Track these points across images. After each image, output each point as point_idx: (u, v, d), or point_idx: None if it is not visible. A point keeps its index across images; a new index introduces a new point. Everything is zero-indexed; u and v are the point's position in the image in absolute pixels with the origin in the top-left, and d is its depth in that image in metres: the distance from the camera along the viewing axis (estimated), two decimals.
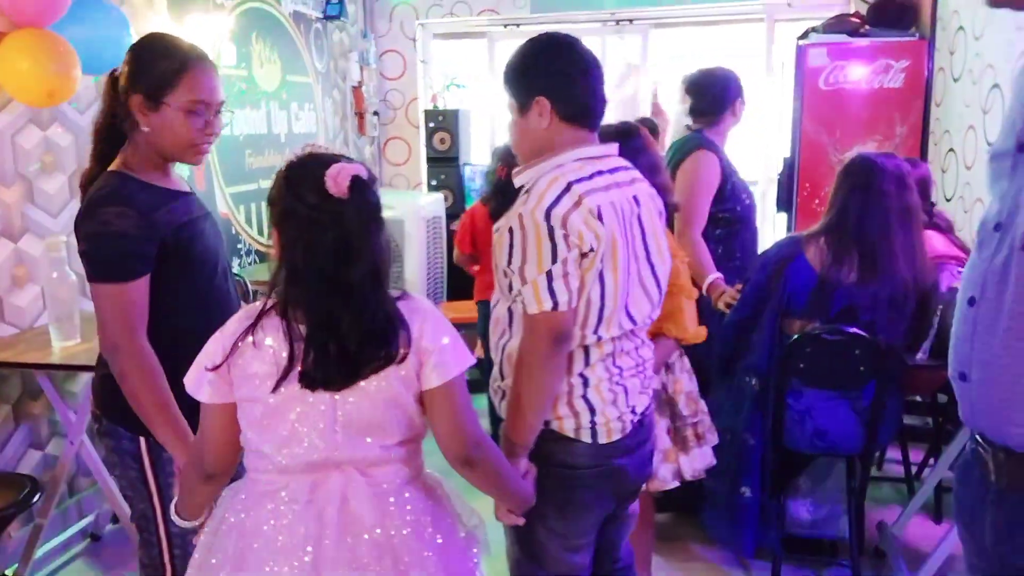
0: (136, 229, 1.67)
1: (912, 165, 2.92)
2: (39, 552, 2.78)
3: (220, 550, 1.42)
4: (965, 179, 3.89)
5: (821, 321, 2.49)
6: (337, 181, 1.28)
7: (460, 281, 4.86)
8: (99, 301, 1.69)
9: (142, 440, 1.78)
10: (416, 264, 4.76)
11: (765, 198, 5.47)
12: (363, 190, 1.31)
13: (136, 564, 1.95)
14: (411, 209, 4.77)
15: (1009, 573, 1.21)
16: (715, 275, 2.85)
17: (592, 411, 1.69)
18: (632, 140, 1.96)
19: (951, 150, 4.19)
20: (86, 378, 2.75)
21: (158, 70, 1.71)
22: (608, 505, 1.80)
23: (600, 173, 1.67)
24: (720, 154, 2.96)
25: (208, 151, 1.83)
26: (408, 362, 1.36)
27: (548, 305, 1.57)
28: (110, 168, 1.76)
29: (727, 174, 2.94)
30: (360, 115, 5.60)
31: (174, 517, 1.56)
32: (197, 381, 1.39)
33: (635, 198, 1.72)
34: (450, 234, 5.22)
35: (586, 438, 1.70)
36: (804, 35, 4.70)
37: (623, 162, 1.77)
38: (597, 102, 1.72)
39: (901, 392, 2.63)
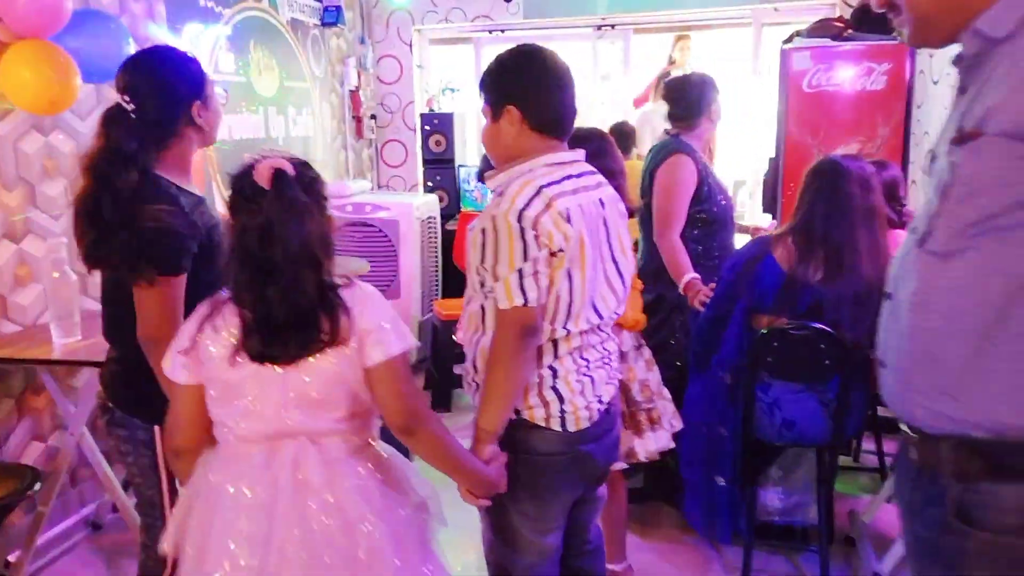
0: (184, 227, 1.80)
1: (881, 167, 3.03)
2: (41, 539, 2.90)
3: (196, 511, 1.57)
4: None
5: (788, 318, 2.59)
6: (260, 173, 1.46)
7: (455, 279, 4.99)
8: (145, 293, 1.78)
9: (156, 429, 1.88)
10: (411, 263, 4.88)
11: (753, 198, 5.58)
12: (285, 182, 1.46)
13: (134, 554, 2.07)
14: (406, 210, 4.90)
15: (919, 547, 1.29)
16: (691, 275, 2.96)
17: (561, 400, 1.80)
18: (590, 144, 2.06)
19: (932, 150, 4.28)
20: (86, 373, 2.87)
21: (189, 73, 1.90)
22: (577, 489, 1.91)
23: (569, 177, 1.78)
24: (696, 157, 3.05)
25: None
26: (350, 343, 1.50)
27: (519, 301, 1.69)
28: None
29: (703, 176, 3.03)
30: (358, 119, 5.72)
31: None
32: (173, 365, 1.56)
33: (600, 201, 1.83)
34: (445, 234, 5.34)
35: (556, 426, 1.81)
36: (789, 39, 4.80)
37: (589, 167, 1.88)
38: (565, 113, 1.83)
39: (867, 385, 2.73)
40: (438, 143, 5.70)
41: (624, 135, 4.82)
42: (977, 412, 1.16)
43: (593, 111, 5.91)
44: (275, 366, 1.49)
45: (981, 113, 1.13)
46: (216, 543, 1.50)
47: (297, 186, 1.48)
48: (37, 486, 2.47)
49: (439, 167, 5.76)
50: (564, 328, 1.77)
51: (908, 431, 1.29)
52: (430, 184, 5.80)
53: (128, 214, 1.77)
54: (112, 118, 1.84)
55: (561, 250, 1.71)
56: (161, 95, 1.86)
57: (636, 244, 3.05)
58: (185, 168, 1.93)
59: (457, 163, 5.76)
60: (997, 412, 1.14)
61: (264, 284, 1.46)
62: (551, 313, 1.75)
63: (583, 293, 1.77)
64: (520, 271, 1.68)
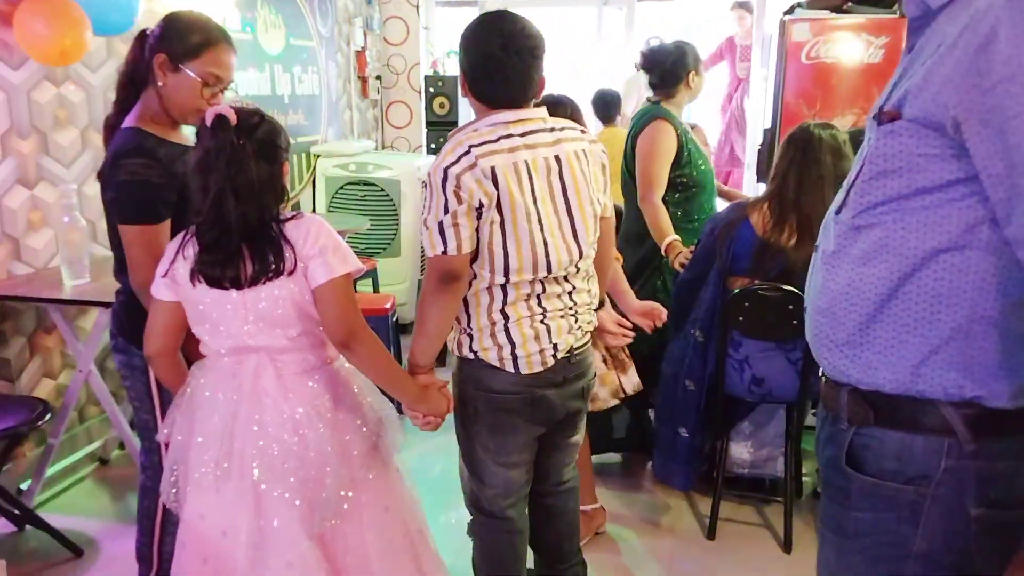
0: (159, 178, 1.91)
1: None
2: (51, 470, 3.08)
3: (183, 409, 1.84)
4: None
5: (761, 280, 2.71)
6: (207, 117, 1.69)
7: None
8: (129, 243, 1.95)
9: None
10: (412, 222, 5.00)
11: (751, 169, 5.66)
12: (223, 127, 1.67)
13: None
14: (407, 170, 5.00)
15: (824, 481, 1.40)
16: (672, 237, 3.07)
17: (513, 344, 1.93)
18: (556, 113, 2.12)
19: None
20: (95, 314, 3.02)
21: (188, 39, 1.96)
22: (535, 429, 2.05)
23: (509, 136, 1.87)
24: (676, 123, 3.15)
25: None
26: (297, 269, 1.72)
27: (439, 249, 1.84)
28: (127, 124, 2.00)
29: (683, 141, 3.13)
30: (363, 79, 5.81)
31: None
32: (157, 285, 1.81)
33: (557, 157, 1.92)
34: None
35: (509, 368, 1.95)
36: (789, 10, 4.85)
37: (549, 124, 1.95)
38: (511, 87, 1.88)
39: None
40: (442, 105, 5.78)
41: (607, 103, 4.91)
42: (863, 369, 1.25)
43: (593, 78, 5.99)
44: (232, 290, 1.71)
45: (901, 93, 1.16)
46: (194, 436, 1.78)
47: (234, 131, 1.68)
48: (47, 417, 2.62)
49: (443, 129, 5.85)
50: (504, 276, 1.89)
51: (823, 374, 1.39)
52: (433, 146, 5.90)
53: (110, 167, 1.95)
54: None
55: (482, 206, 1.82)
56: (157, 41, 1.98)
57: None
58: (169, 120, 2.03)
59: (460, 126, 5.83)
60: (877, 372, 1.23)
61: (218, 215, 1.68)
62: (486, 262, 1.88)
63: (520, 245, 1.87)
64: (441, 222, 1.83)
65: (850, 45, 4.70)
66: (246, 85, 4.43)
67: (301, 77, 5.02)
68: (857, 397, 1.26)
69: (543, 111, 1.98)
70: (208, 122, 1.68)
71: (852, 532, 1.30)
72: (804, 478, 3.20)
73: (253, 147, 1.70)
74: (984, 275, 1.14)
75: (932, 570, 1.24)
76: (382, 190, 4.96)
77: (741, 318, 2.71)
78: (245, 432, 1.72)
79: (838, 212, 1.29)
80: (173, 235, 1.96)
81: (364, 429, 1.86)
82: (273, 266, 1.69)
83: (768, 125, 5.00)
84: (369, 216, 4.75)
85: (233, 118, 1.68)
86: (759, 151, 5.11)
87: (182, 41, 1.96)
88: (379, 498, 1.89)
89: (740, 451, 3.05)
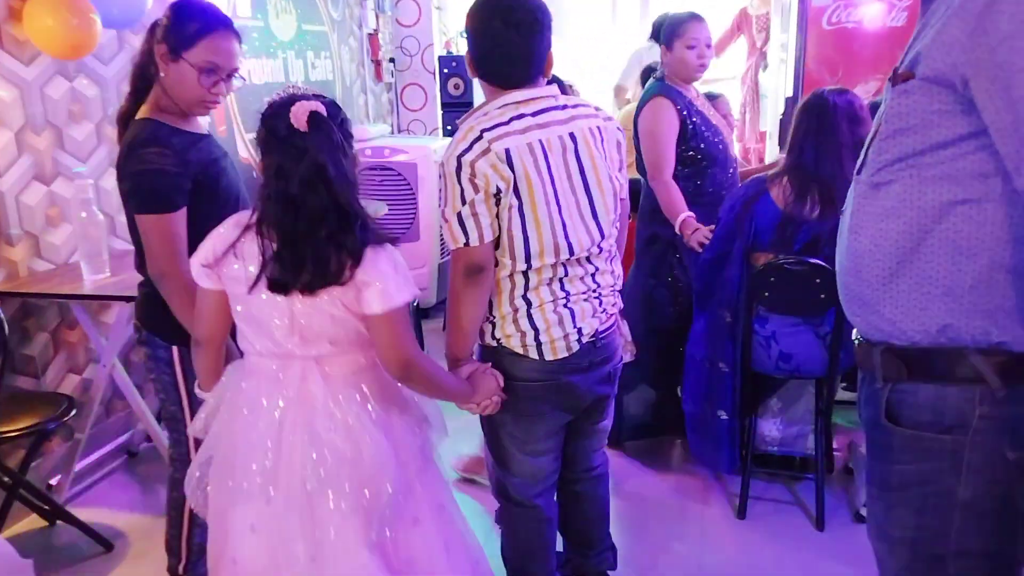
0: (174, 167, 1.90)
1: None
2: (80, 465, 3.10)
3: (222, 413, 1.76)
4: None
5: (785, 254, 2.66)
6: (297, 116, 1.54)
7: None
8: (146, 232, 1.94)
9: (175, 349, 2.07)
10: (430, 206, 4.97)
11: (772, 138, 5.56)
12: (321, 124, 1.55)
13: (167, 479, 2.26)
14: (423, 153, 4.96)
15: (868, 440, 1.43)
16: (685, 214, 2.99)
17: (536, 331, 1.89)
18: None
19: None
20: (117, 308, 3.02)
21: (185, 28, 1.94)
22: (561, 416, 2.01)
23: (520, 117, 1.82)
24: (676, 99, 3.01)
25: (214, 108, 2.06)
26: (350, 289, 1.60)
27: (461, 241, 1.80)
28: (140, 115, 1.99)
29: (686, 115, 3.00)
30: (376, 62, 5.76)
31: (196, 391, 1.88)
32: (197, 272, 1.71)
33: (571, 135, 1.86)
34: None
35: (533, 355, 1.91)
36: None
37: (561, 102, 1.89)
38: (516, 64, 1.83)
39: None
40: (456, 87, 5.72)
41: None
42: (890, 323, 1.29)
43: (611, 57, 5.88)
44: (284, 296, 1.61)
45: (913, 55, 1.21)
46: (236, 444, 1.70)
47: (333, 126, 1.57)
48: (73, 412, 2.63)
49: (458, 111, 5.77)
50: (526, 263, 1.85)
51: (856, 337, 1.43)
52: (449, 128, 5.84)
53: (124, 158, 1.94)
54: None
55: (499, 191, 1.78)
56: (160, 32, 1.96)
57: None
58: (181, 110, 2.01)
59: (470, 110, 5.77)
60: (906, 325, 1.27)
61: (295, 218, 1.57)
62: (507, 250, 1.84)
63: (541, 228, 1.83)
64: (460, 213, 1.78)
65: (872, 8, 4.59)
66: (258, 73, 4.40)
67: (314, 63, 4.98)
68: (889, 355, 1.30)
69: (554, 88, 1.92)
70: (301, 124, 1.54)
71: (897, 484, 1.34)
72: (835, 453, 3.14)
73: (346, 140, 1.62)
74: (1001, 225, 1.18)
75: (977, 516, 1.28)
76: (399, 174, 4.92)
77: (767, 293, 2.66)
78: (294, 440, 1.64)
79: (858, 172, 1.34)
80: (190, 225, 1.95)
81: (416, 429, 1.80)
82: (335, 274, 1.58)
83: (789, 94, 4.92)
84: (387, 201, 4.72)
85: (324, 111, 1.57)
86: (781, 121, 5.02)
87: (180, 30, 1.93)
88: (434, 497, 1.85)
89: (769, 428, 3.01)
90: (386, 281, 1.61)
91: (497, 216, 1.81)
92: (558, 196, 1.84)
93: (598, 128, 1.92)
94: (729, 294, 2.80)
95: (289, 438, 1.64)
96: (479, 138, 1.78)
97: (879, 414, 1.33)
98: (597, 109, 1.98)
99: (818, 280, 2.58)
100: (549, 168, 1.83)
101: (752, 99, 6.39)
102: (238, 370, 1.77)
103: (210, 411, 1.80)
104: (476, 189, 1.77)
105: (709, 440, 2.97)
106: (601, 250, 1.95)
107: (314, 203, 1.56)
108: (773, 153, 5.42)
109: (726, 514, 2.89)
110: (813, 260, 2.57)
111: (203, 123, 2.13)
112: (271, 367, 1.69)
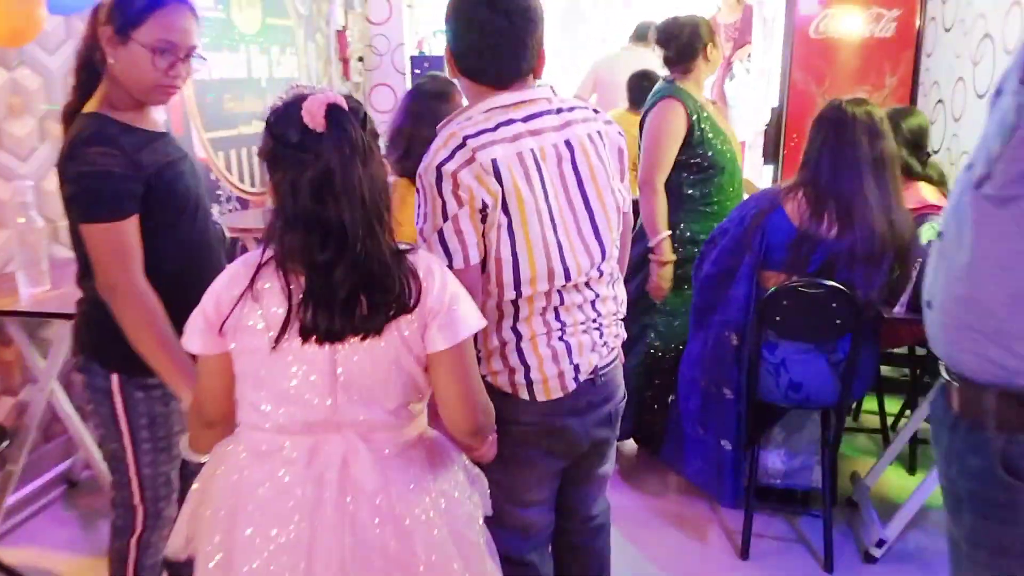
0: (122, 168, 1.67)
1: (907, 114, 2.89)
2: (14, 498, 2.78)
3: (213, 505, 1.38)
4: (953, 131, 3.84)
5: (798, 275, 2.47)
6: (312, 113, 1.22)
7: None
8: (92, 242, 1.68)
9: (114, 377, 1.79)
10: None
11: (752, 149, 5.42)
12: (341, 119, 1.24)
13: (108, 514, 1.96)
14: None
15: (953, 496, 1.26)
16: (664, 234, 2.91)
17: (527, 367, 1.64)
18: None
19: (940, 101, 4.14)
20: (56, 325, 2.72)
21: (131, 6, 1.69)
22: (555, 463, 1.77)
23: (510, 123, 1.58)
24: (687, 102, 2.92)
25: (174, 93, 1.80)
26: (414, 321, 1.30)
27: (444, 264, 1.52)
28: (88, 109, 1.74)
29: (695, 121, 2.91)
30: (344, 60, 5.49)
31: (185, 451, 1.53)
32: (192, 339, 1.34)
33: (567, 142, 1.63)
34: None
35: (523, 395, 1.66)
36: None
37: (555, 104, 1.66)
38: (503, 57, 1.60)
39: (876, 345, 2.63)
40: None
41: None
42: (1019, 359, 1.12)
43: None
44: (329, 344, 1.27)
45: None
46: (246, 550, 1.30)
47: (356, 123, 1.26)
48: (5, 444, 2.33)
49: None
50: (515, 291, 1.60)
51: (949, 376, 1.25)
52: None
53: (66, 158, 1.68)
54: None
55: (486, 207, 1.54)
56: (104, 14, 1.71)
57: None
58: (134, 103, 1.76)
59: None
60: None
61: (323, 246, 1.24)
62: (494, 276, 1.59)
63: (532, 251, 1.58)
64: (441, 231, 1.54)
65: (860, 18, 4.47)
66: (220, 67, 4.11)
67: (279, 59, 4.70)
68: (1008, 399, 1.14)
69: (547, 90, 1.69)
70: (317, 122, 1.22)
71: (1021, 550, 1.18)
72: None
73: (373, 141, 1.30)
74: None
75: None
76: None
77: (778, 318, 2.46)
78: (331, 544, 1.27)
79: (978, 186, 1.16)
80: (144, 236, 1.70)
81: (471, 505, 1.47)
82: (387, 302, 1.27)
83: (775, 104, 4.78)
84: None
85: (344, 103, 1.25)
86: (765, 131, 4.88)
87: (126, 7, 1.68)
88: None
89: (772, 460, 2.82)
90: (451, 304, 1.31)
91: (483, 236, 1.58)
92: (552, 213, 1.60)
93: (598, 133, 1.69)
94: (735, 314, 2.60)
95: (327, 541, 1.27)
96: (462, 145, 1.54)
97: (992, 466, 1.16)
98: (596, 111, 1.75)
99: (834, 304, 2.39)
100: (542, 181, 1.59)
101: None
102: (238, 448, 1.38)
103: (190, 515, 1.41)
104: (460, 203, 1.53)
105: (711, 469, 2.77)
106: (602, 273, 1.71)
107: (344, 219, 1.24)
108: (755, 164, 5.28)
109: (727, 552, 2.68)
110: (830, 283, 2.38)
111: (159, 120, 1.86)
112: (297, 444, 1.32)
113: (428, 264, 1.34)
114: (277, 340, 1.26)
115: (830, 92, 4.60)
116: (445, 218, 1.53)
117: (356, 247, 1.24)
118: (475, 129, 1.56)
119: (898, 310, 2.44)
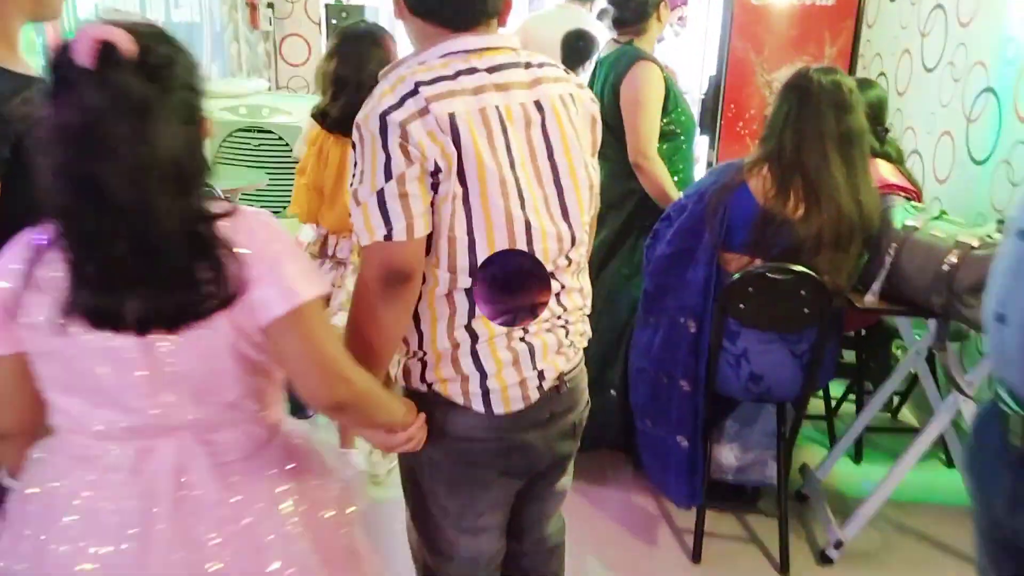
0: None
1: (865, 85, 2.70)
2: None
3: (26, 521, 1.17)
4: (897, 105, 3.73)
5: (761, 259, 2.27)
6: (79, 47, 1.00)
7: None
8: None
9: None
10: None
11: None
12: (115, 61, 1.01)
13: None
14: (307, 114, 4.33)
15: (1002, 545, 1.10)
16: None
17: (483, 374, 1.38)
18: None
19: (882, 74, 4.02)
20: None
21: None
22: (512, 484, 1.52)
23: (472, 72, 1.32)
24: (658, 63, 2.73)
25: None
26: (241, 295, 1.10)
27: (380, 233, 1.27)
28: None
29: (668, 84, 2.72)
30: (252, 6, 5.05)
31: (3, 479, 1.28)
32: None
33: (537, 104, 1.37)
34: None
35: (477, 407, 1.40)
36: None
37: (523, 57, 1.40)
38: None
39: (840, 334, 2.47)
40: None
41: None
42: None
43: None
44: (129, 335, 1.08)
45: None
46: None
47: (136, 69, 1.02)
48: None
49: None
50: (470, 277, 1.34)
51: (1009, 402, 1.05)
52: None
53: None
54: None
55: (438, 170, 1.27)
56: None
57: None
58: (9, 40, 1.41)
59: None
60: None
61: (98, 213, 1.04)
62: (447, 257, 1.32)
63: (492, 229, 1.32)
64: (381, 192, 1.26)
65: None
66: (106, 7, 3.63)
67: (178, 1, 4.24)
68: None
69: (513, 38, 1.42)
70: (86, 59, 1.00)
71: None
72: None
73: (164, 93, 1.06)
74: None
75: None
76: (280, 138, 4.29)
77: (742, 305, 2.25)
78: (163, 564, 1.11)
79: None
80: (7, 212, 1.32)
81: (344, 512, 1.30)
82: (210, 295, 1.08)
83: (712, 72, 4.60)
84: (266, 169, 4.08)
85: (130, 47, 1.02)
86: (703, 100, 4.71)
87: None
88: None
89: (725, 455, 2.64)
90: (280, 266, 1.13)
91: (433, 208, 1.30)
92: (521, 186, 1.33)
93: (571, 96, 1.44)
94: (693, 299, 2.38)
95: (159, 560, 1.10)
96: (413, 92, 1.26)
97: None
98: (567, 71, 1.48)
99: (803, 292, 2.20)
100: (508, 146, 1.32)
101: None
102: (55, 459, 1.19)
103: (14, 521, 1.19)
104: (410, 159, 1.25)
105: (667, 467, 2.55)
106: (570, 261, 1.45)
107: (109, 180, 1.02)
108: None
109: (678, 556, 2.50)
110: (800, 268, 2.19)
111: (30, 63, 1.49)
112: (120, 453, 1.15)
113: (250, 224, 1.15)
114: (62, 328, 1.08)
115: (769, 61, 4.47)
116: (388, 176, 1.25)
117: (133, 218, 1.04)
118: (430, 76, 1.29)
119: (870, 299, 2.27)
